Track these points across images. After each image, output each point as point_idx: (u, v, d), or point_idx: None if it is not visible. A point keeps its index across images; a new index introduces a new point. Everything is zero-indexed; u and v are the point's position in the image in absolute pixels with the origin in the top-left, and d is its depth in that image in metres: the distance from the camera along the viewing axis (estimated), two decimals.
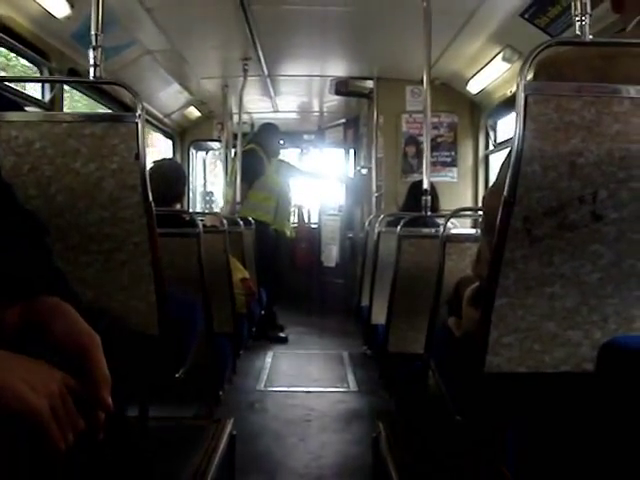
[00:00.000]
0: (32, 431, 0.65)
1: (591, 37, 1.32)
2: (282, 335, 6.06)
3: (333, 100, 6.89)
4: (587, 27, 1.31)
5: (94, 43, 1.71)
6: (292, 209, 7.61)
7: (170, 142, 7.40)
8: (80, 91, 4.86)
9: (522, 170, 1.24)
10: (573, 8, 1.33)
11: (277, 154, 6.35)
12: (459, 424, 1.60)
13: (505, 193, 1.27)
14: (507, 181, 1.26)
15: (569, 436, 1.48)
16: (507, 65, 4.56)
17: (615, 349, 1.28)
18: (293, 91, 6.70)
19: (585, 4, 1.32)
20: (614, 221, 1.30)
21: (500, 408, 1.51)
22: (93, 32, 1.72)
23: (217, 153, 7.98)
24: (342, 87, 6.26)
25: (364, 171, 6.80)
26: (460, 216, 3.90)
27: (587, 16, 1.31)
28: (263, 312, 5.15)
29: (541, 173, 1.24)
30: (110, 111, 5.01)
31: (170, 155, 7.31)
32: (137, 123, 1.56)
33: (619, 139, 1.24)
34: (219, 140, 6.81)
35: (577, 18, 1.32)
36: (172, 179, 3.48)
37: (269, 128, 6.21)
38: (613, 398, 1.24)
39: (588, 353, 1.40)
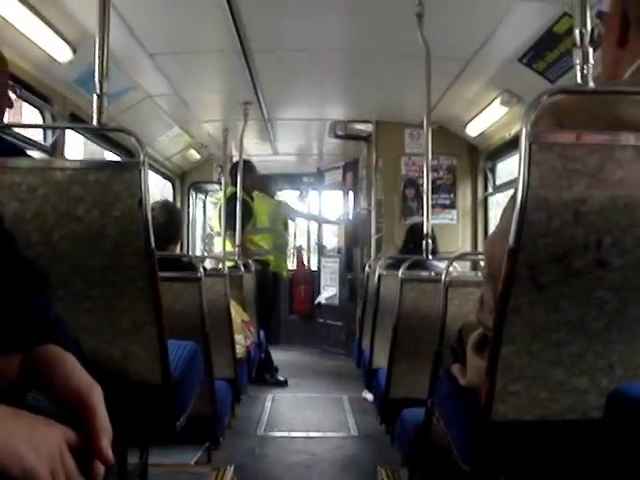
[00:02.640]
0: None
1: (592, 85, 1.33)
2: (281, 379, 6.01)
3: (332, 143, 6.95)
4: (589, 76, 1.32)
5: (98, 91, 1.71)
6: (290, 251, 7.62)
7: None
8: (82, 135, 4.89)
9: (527, 218, 1.24)
10: (575, 57, 1.34)
11: (260, 189, 6.31)
12: (465, 473, 1.58)
13: (510, 241, 1.27)
14: (512, 228, 1.26)
15: None
16: (505, 109, 4.61)
17: (622, 397, 1.26)
18: (292, 134, 6.77)
19: (587, 53, 1.33)
20: (619, 268, 1.29)
21: (507, 457, 1.48)
22: (97, 79, 1.72)
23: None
24: (341, 130, 6.32)
25: (364, 213, 6.82)
26: (461, 260, 3.90)
27: (589, 65, 1.32)
28: (262, 355, 5.12)
29: (545, 220, 1.24)
30: (111, 153, 5.05)
31: (165, 196, 7.32)
32: (141, 170, 1.56)
33: (622, 186, 1.24)
34: (219, 182, 6.84)
35: (579, 67, 1.33)
36: (166, 220, 3.47)
37: (244, 167, 6.10)
38: (621, 447, 1.22)
39: (595, 401, 1.38)
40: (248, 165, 6.15)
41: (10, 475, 0.62)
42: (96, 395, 0.77)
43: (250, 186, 6.04)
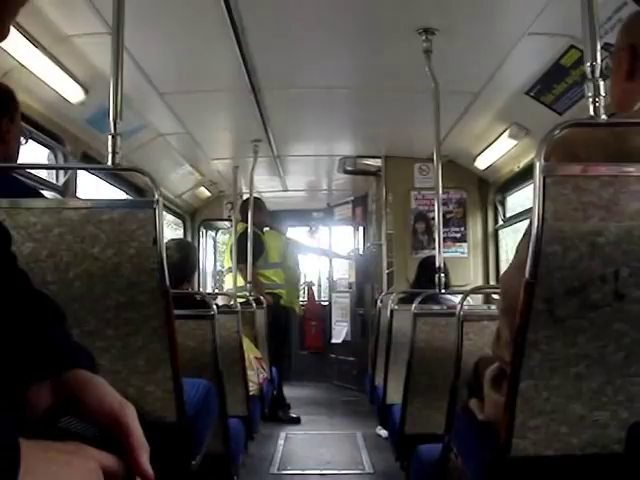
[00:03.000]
0: None
1: (605, 117, 1.34)
2: (294, 416, 5.96)
3: (341, 178, 6.98)
4: (601, 108, 1.33)
5: (112, 131, 1.73)
6: (301, 286, 7.61)
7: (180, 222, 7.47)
8: (96, 175, 4.93)
9: (542, 251, 1.23)
10: (586, 90, 1.35)
11: (271, 226, 6.35)
12: None
13: (526, 274, 1.26)
14: (528, 262, 1.26)
15: None
16: (514, 142, 4.62)
17: None
18: (302, 170, 6.80)
19: (598, 85, 1.34)
20: (637, 299, 1.28)
21: None
22: (112, 119, 1.74)
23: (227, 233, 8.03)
24: (350, 166, 6.35)
25: (374, 248, 6.81)
26: (475, 293, 3.88)
27: (600, 97, 1.33)
28: (275, 392, 5.09)
29: (562, 253, 1.24)
30: (123, 193, 5.08)
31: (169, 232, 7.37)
32: (155, 208, 1.57)
33: (638, 217, 1.24)
34: (229, 219, 6.86)
35: (591, 100, 1.34)
36: (180, 259, 3.49)
37: (246, 203, 6.14)
38: None
39: (616, 434, 1.37)
40: (258, 202, 6.18)
41: None
42: (130, 413, 0.77)
43: (260, 223, 6.07)
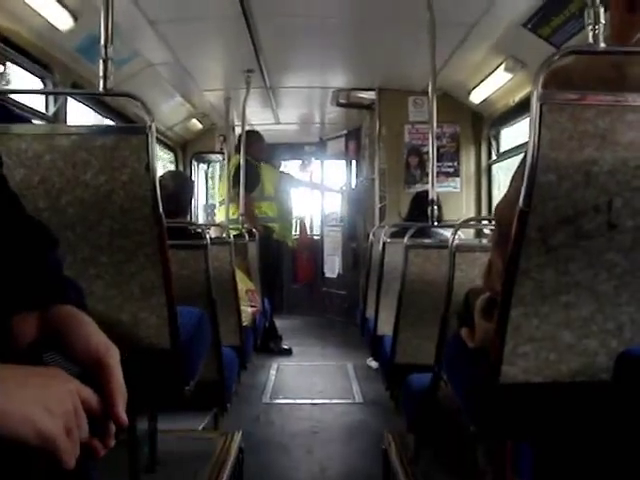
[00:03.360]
0: (44, 451, 0.64)
1: (604, 45, 1.32)
2: (286, 347, 6.04)
3: (334, 111, 6.91)
4: (600, 36, 1.31)
5: (104, 55, 1.70)
6: (294, 220, 7.61)
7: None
8: (84, 104, 4.85)
9: (537, 179, 1.23)
10: (586, 17, 1.32)
11: (266, 159, 6.33)
12: (473, 435, 1.59)
13: (520, 203, 1.26)
14: (522, 191, 1.26)
15: (586, 446, 1.47)
16: (509, 75, 4.56)
17: (631, 359, 1.27)
18: (294, 103, 6.72)
19: (598, 13, 1.32)
20: (629, 229, 1.29)
21: (515, 418, 1.49)
22: (102, 44, 1.71)
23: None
24: (343, 98, 6.28)
25: (367, 182, 6.80)
26: (467, 226, 3.89)
27: (600, 25, 1.31)
28: (267, 324, 5.14)
29: (556, 182, 1.24)
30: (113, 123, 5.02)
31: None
32: (148, 134, 1.55)
33: (633, 148, 1.24)
34: (222, 152, 6.82)
35: (590, 27, 1.32)
36: (176, 190, 3.48)
37: (251, 135, 6.16)
38: (630, 408, 1.23)
39: (604, 363, 1.39)
40: (257, 135, 6.16)
41: (26, 441, 0.62)
42: (113, 356, 0.77)
43: (258, 155, 6.05)
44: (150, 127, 1.55)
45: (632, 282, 1.34)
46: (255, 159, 5.98)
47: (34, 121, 3.49)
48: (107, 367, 0.76)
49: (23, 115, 3.22)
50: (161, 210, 1.61)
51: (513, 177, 1.54)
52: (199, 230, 3.07)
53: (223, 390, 2.76)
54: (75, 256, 1.64)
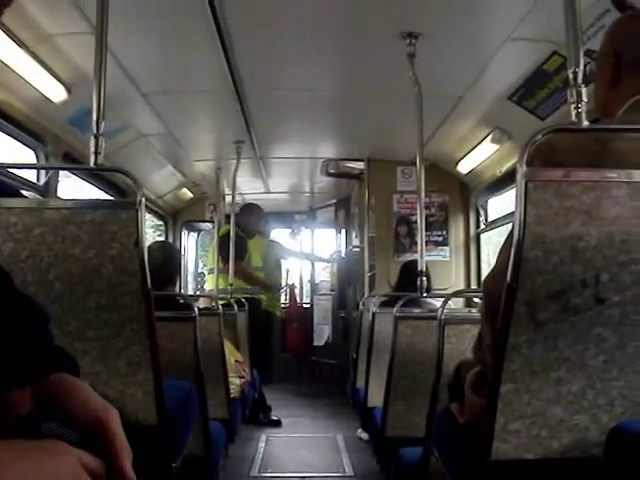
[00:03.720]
0: None
1: (587, 123, 1.35)
2: (275, 418, 5.95)
3: (324, 181, 6.98)
4: (583, 114, 1.34)
5: (95, 131, 1.72)
6: (283, 289, 7.60)
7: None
8: (77, 176, 4.90)
9: (524, 255, 1.24)
10: (569, 96, 1.36)
11: (260, 233, 6.37)
12: None
13: (508, 278, 1.27)
14: (509, 266, 1.26)
15: None
16: (496, 146, 4.65)
17: (623, 434, 1.26)
18: (284, 172, 6.80)
19: (580, 92, 1.35)
20: (617, 304, 1.29)
21: None
22: (94, 120, 1.73)
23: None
24: (333, 168, 6.36)
25: (356, 250, 6.82)
26: (457, 296, 3.89)
27: (583, 103, 1.34)
28: (256, 395, 5.08)
29: (543, 258, 1.25)
30: (105, 193, 5.05)
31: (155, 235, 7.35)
32: (137, 210, 1.56)
33: (619, 223, 1.25)
34: (212, 221, 6.85)
35: (573, 105, 1.35)
36: (164, 261, 3.47)
37: (249, 209, 6.28)
38: None
39: (596, 438, 1.37)
40: (257, 209, 6.23)
41: None
42: (114, 417, 0.76)
43: (251, 229, 6.11)
44: (140, 202, 1.56)
45: (621, 356, 1.34)
46: (245, 232, 6.03)
47: (24, 192, 3.51)
48: (108, 428, 0.75)
49: (14, 186, 3.24)
50: (149, 285, 1.61)
51: (500, 250, 1.55)
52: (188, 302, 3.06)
53: (210, 465, 2.70)
54: (62, 330, 1.63)
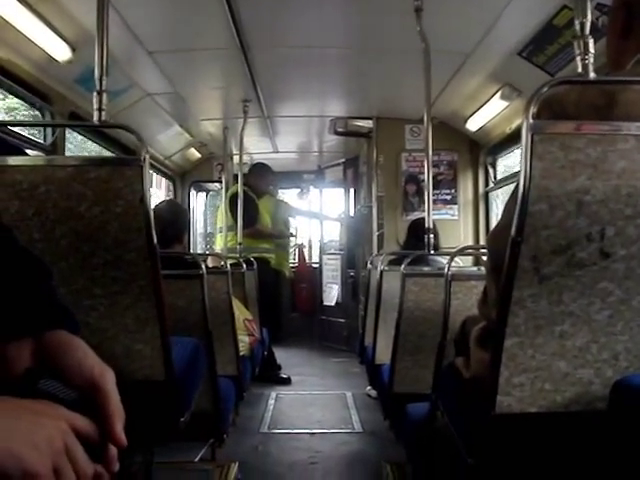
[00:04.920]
0: None
1: (593, 75, 1.33)
2: (284, 376, 6.01)
3: (332, 140, 6.95)
4: (590, 66, 1.32)
5: (98, 87, 1.71)
6: (291, 249, 7.62)
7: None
8: (82, 134, 4.89)
9: (529, 209, 1.23)
10: (576, 47, 1.34)
11: (269, 193, 6.36)
12: (470, 466, 1.57)
13: (512, 232, 1.26)
14: (514, 220, 1.26)
15: (582, 476, 1.46)
16: (505, 103, 4.60)
17: (627, 388, 1.26)
18: (292, 131, 6.77)
19: (587, 43, 1.33)
20: (622, 258, 1.29)
21: (511, 449, 1.48)
22: (97, 76, 1.72)
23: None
24: (341, 127, 6.32)
25: (365, 210, 6.81)
26: (463, 254, 3.89)
27: (590, 55, 1.32)
28: (265, 353, 5.12)
29: (548, 212, 1.24)
30: (111, 153, 5.05)
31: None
32: (142, 166, 1.56)
33: (625, 176, 1.24)
34: (220, 181, 6.85)
35: (580, 57, 1.33)
36: (171, 219, 3.48)
37: (258, 168, 6.28)
38: (626, 437, 1.22)
39: (600, 392, 1.38)
40: (264, 168, 6.21)
41: (10, 478, 0.61)
42: (109, 379, 0.77)
43: (260, 188, 6.10)
44: (144, 159, 1.55)
45: (626, 311, 1.34)
46: (255, 192, 6.02)
47: (31, 151, 3.52)
48: (103, 390, 0.76)
49: (19, 145, 3.24)
50: (155, 242, 1.61)
51: (506, 205, 1.54)
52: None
53: (219, 421, 2.74)
54: (69, 287, 1.64)
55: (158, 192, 8.31)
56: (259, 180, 6.13)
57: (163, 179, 7.52)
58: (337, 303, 7.80)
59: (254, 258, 5.12)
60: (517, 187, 1.27)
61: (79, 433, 0.69)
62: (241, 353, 3.52)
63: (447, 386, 1.93)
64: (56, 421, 0.68)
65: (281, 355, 6.35)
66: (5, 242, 0.91)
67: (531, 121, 1.22)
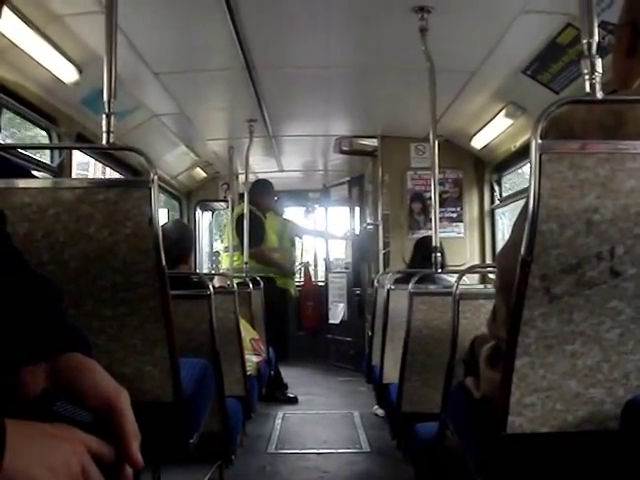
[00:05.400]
0: None
1: (601, 94, 1.33)
2: (291, 395, 5.98)
3: (337, 159, 6.97)
4: (597, 85, 1.32)
5: (107, 110, 1.72)
6: (297, 268, 7.61)
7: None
8: (90, 156, 4.92)
9: (539, 228, 1.23)
10: (583, 67, 1.34)
11: (274, 210, 6.36)
12: None
13: (522, 252, 1.26)
14: (524, 240, 1.26)
15: None
16: (510, 121, 4.62)
17: (639, 407, 1.25)
18: (298, 150, 6.79)
19: (594, 63, 1.33)
20: (632, 277, 1.29)
21: (523, 469, 1.47)
22: (106, 99, 1.73)
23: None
24: (346, 146, 6.33)
25: (370, 228, 6.81)
26: (472, 272, 3.88)
27: (597, 74, 1.33)
28: (272, 373, 5.10)
29: (558, 231, 1.24)
30: (118, 174, 5.07)
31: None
32: (150, 188, 1.56)
33: (634, 195, 1.24)
34: (225, 200, 6.86)
35: (587, 77, 1.33)
36: (177, 239, 3.48)
37: (260, 185, 6.25)
38: (639, 456, 1.21)
39: (612, 411, 1.37)
40: (266, 184, 6.21)
41: None
42: (124, 400, 0.77)
43: (265, 206, 6.10)
44: (153, 180, 1.56)
45: (637, 329, 1.33)
46: (261, 209, 6.03)
47: (38, 173, 3.53)
48: (118, 411, 0.75)
49: (26, 167, 3.25)
50: (164, 263, 1.61)
51: (514, 224, 1.54)
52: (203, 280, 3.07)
53: (227, 442, 2.73)
54: (78, 309, 1.64)
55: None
56: (262, 196, 6.12)
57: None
58: (343, 321, 7.78)
59: (260, 277, 5.12)
60: (526, 205, 1.27)
61: (95, 455, 0.69)
62: (248, 373, 3.51)
63: (457, 406, 1.92)
64: (73, 444, 0.68)
65: (287, 374, 6.33)
66: (16, 265, 0.92)
67: (539, 141, 1.22)
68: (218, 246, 8.71)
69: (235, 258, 5.75)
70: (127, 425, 0.75)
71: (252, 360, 3.69)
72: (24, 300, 0.86)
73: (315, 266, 9.16)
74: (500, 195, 5.81)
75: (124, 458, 0.73)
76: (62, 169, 3.86)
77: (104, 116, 1.72)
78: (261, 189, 6.18)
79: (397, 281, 3.81)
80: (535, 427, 1.39)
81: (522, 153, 4.77)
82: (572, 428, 1.40)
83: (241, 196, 6.10)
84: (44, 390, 0.77)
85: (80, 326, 0.89)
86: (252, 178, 6.68)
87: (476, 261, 5.83)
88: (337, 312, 7.88)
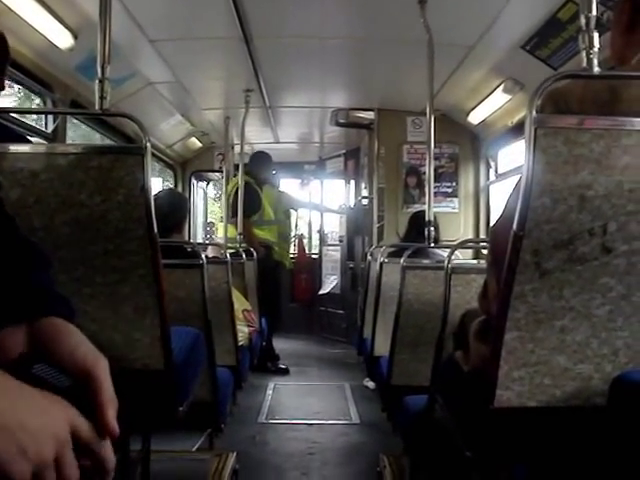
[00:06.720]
0: None
1: (598, 70, 1.32)
2: (283, 366, 6.02)
3: (333, 131, 6.93)
4: (595, 60, 1.31)
5: (100, 75, 1.70)
6: (292, 240, 7.61)
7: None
8: (83, 122, 4.88)
9: (531, 203, 1.23)
10: (580, 42, 1.33)
11: (270, 182, 6.34)
12: (468, 459, 1.58)
13: (514, 226, 1.26)
14: (516, 214, 1.25)
15: (580, 471, 1.46)
16: (508, 96, 4.59)
17: (627, 383, 1.26)
18: (294, 122, 6.75)
19: (592, 37, 1.32)
20: (624, 254, 1.29)
21: (510, 443, 1.48)
22: (99, 64, 1.71)
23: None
24: (342, 118, 6.29)
25: (365, 201, 6.80)
26: (464, 247, 3.88)
27: (594, 49, 1.32)
28: (264, 343, 5.13)
29: (551, 206, 1.24)
30: (112, 142, 5.04)
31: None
32: (143, 155, 1.55)
33: (628, 172, 1.24)
34: (220, 171, 6.84)
35: (584, 52, 1.32)
36: (170, 208, 3.48)
37: (259, 157, 6.25)
38: (625, 433, 1.22)
39: (599, 387, 1.38)
40: (267, 157, 6.19)
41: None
42: (102, 367, 0.77)
43: (262, 178, 6.09)
44: (146, 147, 1.55)
45: (627, 306, 1.34)
46: (258, 181, 6.02)
47: (32, 139, 3.51)
48: (96, 378, 0.75)
49: (20, 132, 3.23)
50: (156, 231, 1.61)
51: (508, 199, 1.54)
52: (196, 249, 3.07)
53: (217, 410, 2.74)
54: (69, 275, 1.63)
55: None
56: (260, 168, 6.11)
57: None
58: (336, 294, 7.80)
59: (259, 243, 5.12)
60: (520, 181, 1.27)
61: (73, 432, 0.68)
62: (240, 343, 3.52)
63: (446, 379, 1.93)
64: (54, 421, 0.66)
65: (280, 345, 6.36)
66: (6, 230, 0.91)
67: (535, 115, 1.21)
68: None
69: (230, 230, 5.75)
70: (104, 393, 0.74)
71: (244, 330, 3.70)
72: (9, 263, 0.86)
73: (309, 238, 9.16)
74: (496, 171, 5.79)
75: (100, 425, 0.72)
76: (56, 135, 3.84)
77: (97, 81, 1.69)
78: (260, 161, 6.17)
79: (390, 255, 3.81)
80: (523, 401, 1.40)
81: (519, 129, 4.75)
82: (560, 403, 1.40)
83: (236, 167, 6.07)
84: (23, 352, 0.77)
85: (68, 293, 0.89)
86: (248, 149, 6.65)
87: (470, 236, 5.83)
88: (330, 285, 7.91)
